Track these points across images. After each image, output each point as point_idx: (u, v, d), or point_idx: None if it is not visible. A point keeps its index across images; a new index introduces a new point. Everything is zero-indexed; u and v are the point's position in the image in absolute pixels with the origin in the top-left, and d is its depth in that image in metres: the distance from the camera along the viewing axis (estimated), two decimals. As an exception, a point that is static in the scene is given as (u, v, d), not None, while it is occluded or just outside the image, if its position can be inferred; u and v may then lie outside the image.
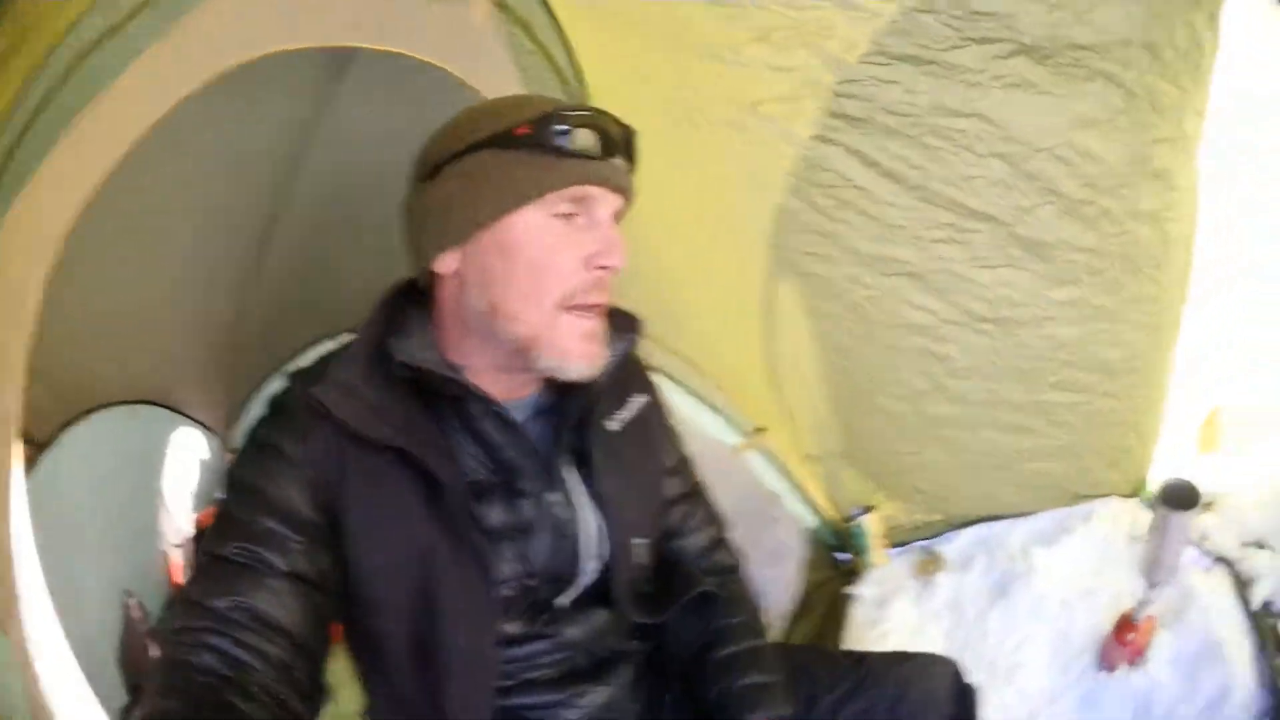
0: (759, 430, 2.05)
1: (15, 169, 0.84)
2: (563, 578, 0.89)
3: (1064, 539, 1.88)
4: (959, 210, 1.57)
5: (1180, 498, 1.50)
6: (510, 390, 0.87)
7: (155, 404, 1.84)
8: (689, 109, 1.45)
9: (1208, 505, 1.83)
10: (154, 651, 1.55)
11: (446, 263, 0.82)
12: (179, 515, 1.91)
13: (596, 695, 0.92)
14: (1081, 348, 1.74)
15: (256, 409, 0.85)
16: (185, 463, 1.94)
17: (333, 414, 0.78)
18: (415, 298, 0.88)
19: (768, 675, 0.95)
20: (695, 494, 1.07)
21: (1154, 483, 1.95)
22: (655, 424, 1.01)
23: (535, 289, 0.80)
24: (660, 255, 1.50)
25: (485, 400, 0.84)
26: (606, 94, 1.42)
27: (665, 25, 1.34)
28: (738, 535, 1.11)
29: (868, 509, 2.07)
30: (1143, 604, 1.58)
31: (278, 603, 0.74)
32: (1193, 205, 1.67)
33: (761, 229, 1.64)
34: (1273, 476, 1.89)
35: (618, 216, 0.84)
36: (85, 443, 1.54)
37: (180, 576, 1.86)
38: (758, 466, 2.07)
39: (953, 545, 2.03)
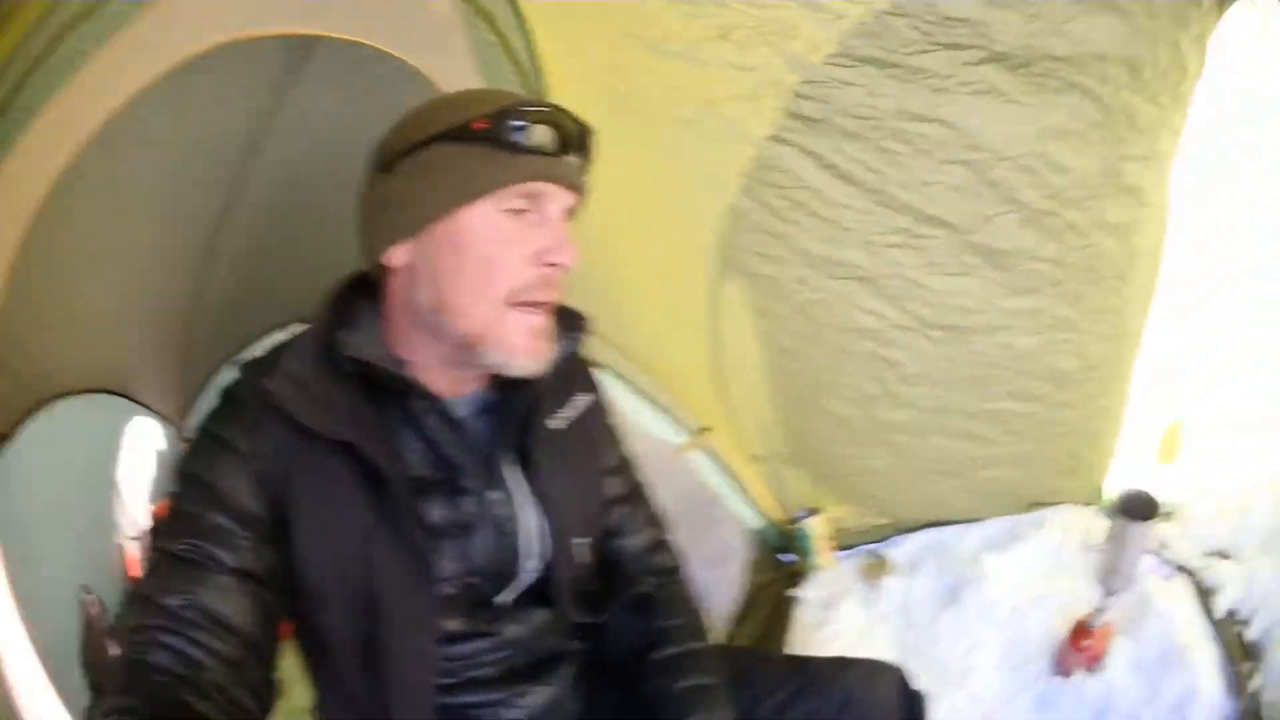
0: (704, 430, 2.04)
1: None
2: (504, 576, 0.89)
3: (1016, 545, 1.90)
4: (915, 216, 1.56)
5: (1138, 508, 1.52)
6: (455, 386, 0.87)
7: (114, 393, 1.81)
8: (647, 105, 1.44)
9: (1167, 515, 1.85)
10: (114, 650, 1.53)
11: (398, 256, 0.82)
12: (135, 507, 1.88)
13: (538, 695, 0.92)
14: (1039, 357, 1.74)
15: (210, 398, 0.85)
16: (142, 453, 1.91)
17: (282, 406, 0.78)
18: (366, 290, 0.87)
19: (708, 678, 0.95)
20: (637, 495, 1.06)
21: (1111, 492, 1.97)
22: (598, 423, 1.01)
23: (484, 284, 0.79)
24: (610, 252, 1.49)
25: (429, 396, 0.84)
26: (565, 87, 1.41)
27: (627, 20, 1.34)
28: (680, 535, 1.10)
29: (814, 511, 2.07)
30: (1099, 611, 1.60)
31: (228, 601, 0.75)
32: (1162, 221, 1.69)
33: (713, 228, 1.63)
34: (1232, 488, 1.92)
35: (570, 214, 0.84)
36: (46, 433, 1.51)
37: (137, 570, 1.83)
38: (702, 466, 2.06)
39: (901, 549, 2.04)
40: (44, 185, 0.90)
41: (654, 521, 1.08)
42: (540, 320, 0.83)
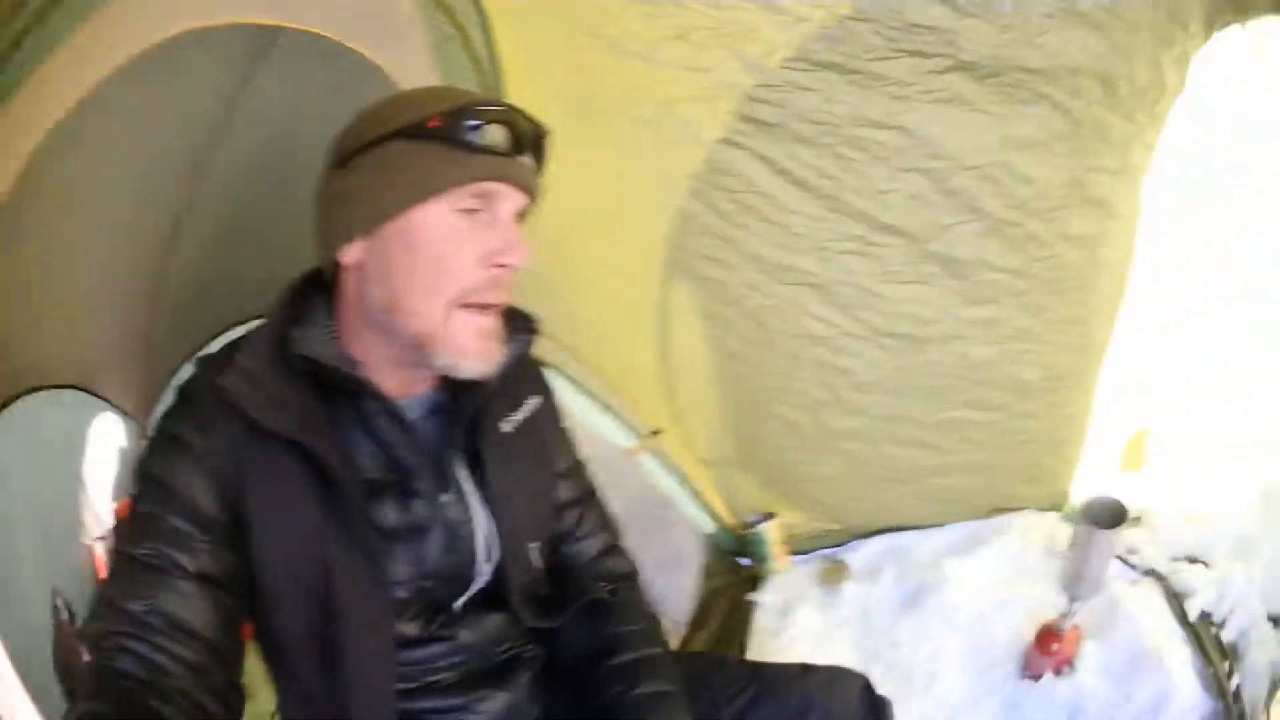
0: (655, 433, 2.02)
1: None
2: (457, 580, 0.89)
3: (978, 550, 1.90)
4: (870, 223, 1.55)
5: (1104, 515, 1.52)
6: (405, 387, 0.87)
7: (78, 389, 1.79)
8: (603, 104, 1.43)
9: (1135, 521, 1.87)
10: (86, 656, 1.51)
11: (351, 253, 0.81)
12: (101, 506, 1.85)
13: (497, 700, 0.92)
14: (997, 367, 1.74)
15: (169, 395, 0.84)
16: (106, 450, 1.88)
17: (236, 403, 0.78)
18: (322, 287, 0.87)
19: (665, 684, 0.95)
20: (588, 499, 1.06)
21: (1075, 498, 1.98)
22: (549, 426, 1.01)
23: (434, 284, 0.79)
24: (563, 252, 1.48)
25: (380, 397, 0.83)
26: (522, 84, 1.40)
27: (586, 18, 1.33)
28: (631, 539, 1.10)
29: (768, 516, 2.06)
30: (1066, 615, 1.61)
31: (188, 606, 0.75)
32: (1131, 233, 1.70)
33: (663, 230, 1.62)
34: (1199, 495, 1.93)
35: (522, 215, 0.84)
36: (14, 431, 1.49)
37: (105, 570, 1.80)
38: (653, 470, 2.03)
39: (859, 554, 2.04)
40: (9, 178, 0.89)
41: (607, 526, 1.07)
42: (489, 322, 0.83)
